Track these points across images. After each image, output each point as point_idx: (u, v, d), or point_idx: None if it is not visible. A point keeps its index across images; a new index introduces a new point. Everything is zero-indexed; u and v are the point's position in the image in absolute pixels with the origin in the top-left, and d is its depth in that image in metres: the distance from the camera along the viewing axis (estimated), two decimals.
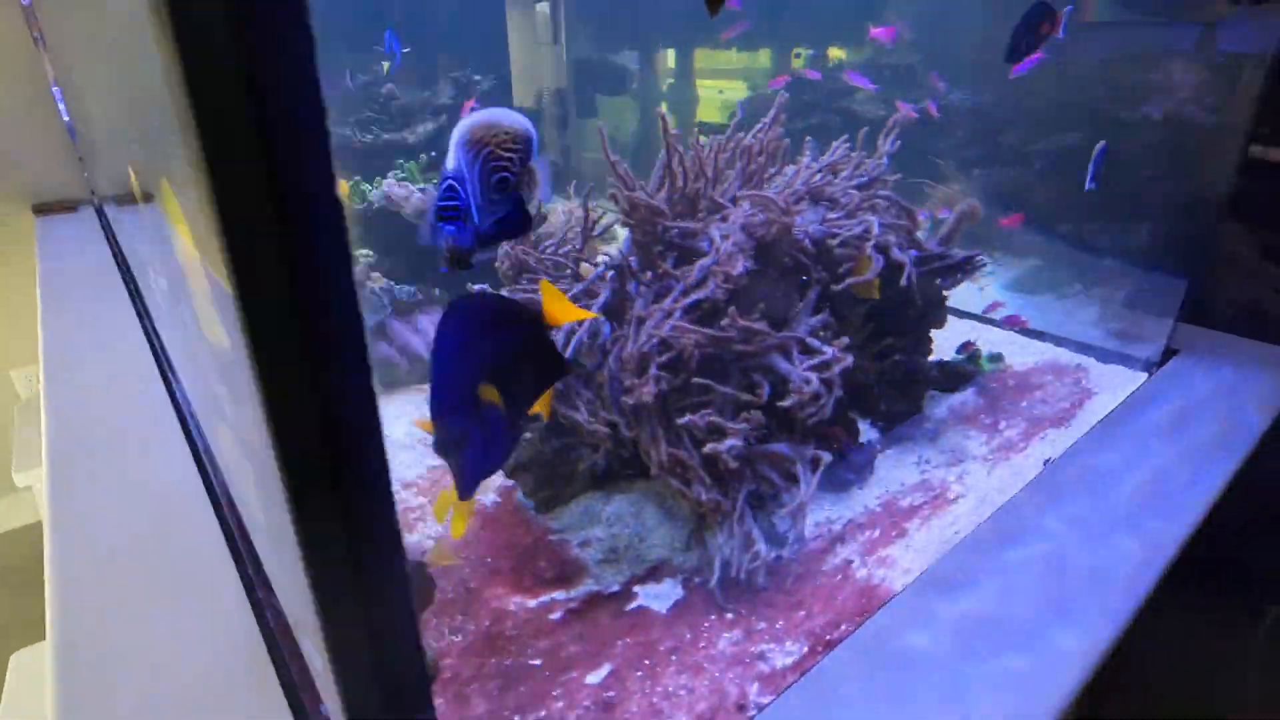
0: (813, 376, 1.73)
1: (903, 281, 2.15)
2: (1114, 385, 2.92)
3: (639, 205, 1.81)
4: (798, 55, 5.98)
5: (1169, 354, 2.71)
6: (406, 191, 3.50)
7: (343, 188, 3.96)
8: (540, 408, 1.18)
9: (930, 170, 5.66)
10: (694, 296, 1.77)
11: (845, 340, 1.94)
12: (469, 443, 0.80)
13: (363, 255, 3.57)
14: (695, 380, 1.72)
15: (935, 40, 7.81)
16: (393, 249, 3.56)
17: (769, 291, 2.12)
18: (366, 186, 3.79)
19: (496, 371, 0.86)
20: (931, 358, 2.91)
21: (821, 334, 2.09)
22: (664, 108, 7.57)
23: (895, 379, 2.56)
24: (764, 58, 8.25)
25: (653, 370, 1.63)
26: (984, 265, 2.68)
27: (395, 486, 1.45)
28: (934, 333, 2.77)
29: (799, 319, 2.06)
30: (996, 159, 5.83)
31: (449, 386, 0.81)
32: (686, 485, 1.68)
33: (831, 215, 2.30)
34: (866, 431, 2.50)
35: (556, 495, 2.02)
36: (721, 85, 6.87)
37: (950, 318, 2.82)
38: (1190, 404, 2.19)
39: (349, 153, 5.14)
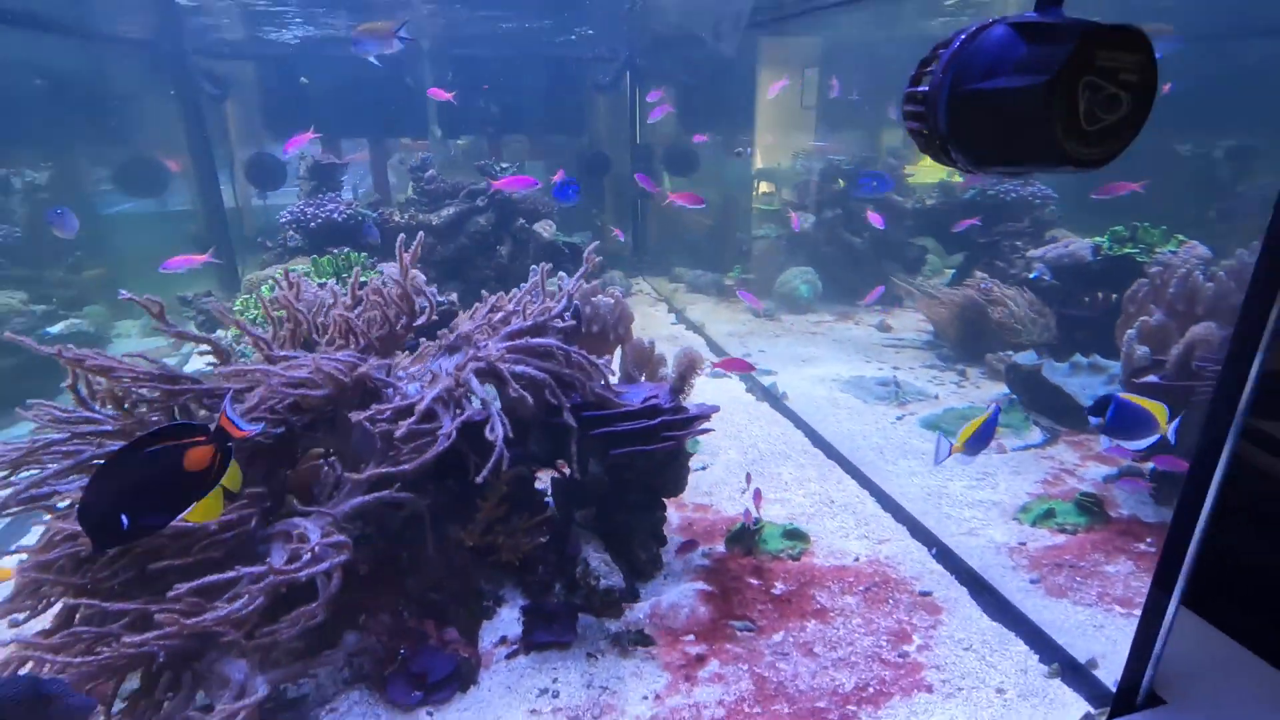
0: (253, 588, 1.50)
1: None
2: (980, 684, 1.81)
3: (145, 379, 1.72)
4: (739, 153, 5.36)
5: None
6: (302, 285, 3.72)
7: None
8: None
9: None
10: None
11: (339, 538, 1.66)
12: None
13: None
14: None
15: None
16: None
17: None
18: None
19: None
20: (676, 525, 2.28)
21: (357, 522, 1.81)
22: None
23: (553, 559, 2.10)
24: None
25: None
26: (709, 430, 2.09)
27: None
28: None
29: (335, 502, 1.81)
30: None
31: None
32: None
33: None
34: (509, 625, 2.06)
35: None
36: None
37: None
38: None
39: (380, 231, 5.63)
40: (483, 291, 2.42)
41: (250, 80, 7.26)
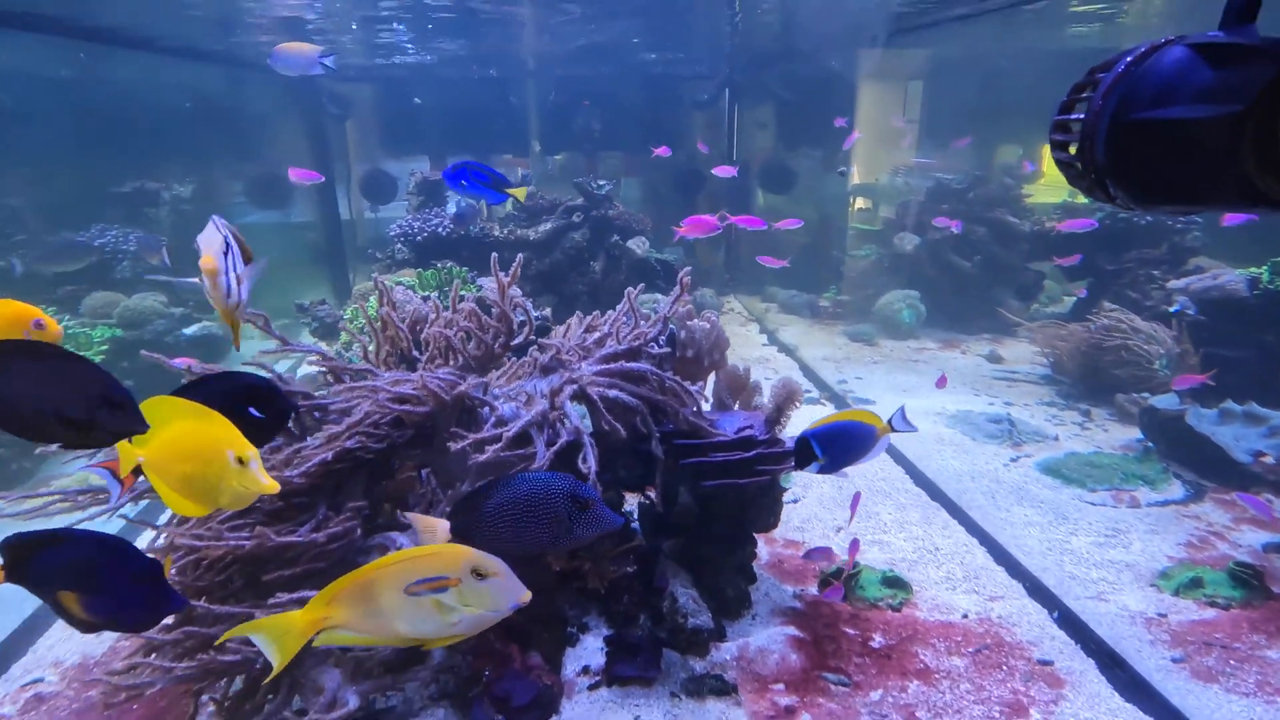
0: None
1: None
2: None
3: None
4: (842, 172, 5.09)
5: None
6: (406, 298, 3.86)
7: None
8: None
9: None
10: None
11: None
12: None
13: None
14: None
15: None
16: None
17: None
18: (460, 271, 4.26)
19: None
20: (765, 562, 2.16)
21: None
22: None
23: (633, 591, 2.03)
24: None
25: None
26: (792, 467, 1.97)
27: None
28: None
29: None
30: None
31: None
32: None
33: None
34: (592, 654, 2.01)
35: None
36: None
37: None
38: None
39: (481, 245, 5.81)
40: (577, 312, 2.41)
41: (368, 101, 7.72)
